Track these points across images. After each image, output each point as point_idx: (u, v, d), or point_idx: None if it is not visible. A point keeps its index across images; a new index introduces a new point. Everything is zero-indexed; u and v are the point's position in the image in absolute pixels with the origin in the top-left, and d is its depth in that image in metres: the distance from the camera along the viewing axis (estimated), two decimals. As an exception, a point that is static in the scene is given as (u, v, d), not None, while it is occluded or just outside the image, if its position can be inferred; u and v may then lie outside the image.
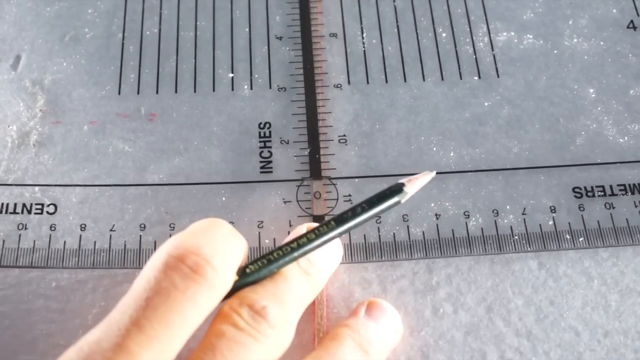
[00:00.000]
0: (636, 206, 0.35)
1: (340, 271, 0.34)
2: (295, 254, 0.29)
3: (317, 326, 0.32)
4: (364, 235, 0.35)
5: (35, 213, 0.35)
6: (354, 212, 0.29)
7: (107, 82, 0.39)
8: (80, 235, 0.34)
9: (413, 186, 0.30)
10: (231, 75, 0.40)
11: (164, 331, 0.24)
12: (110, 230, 0.34)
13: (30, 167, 0.36)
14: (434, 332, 0.32)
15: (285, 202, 0.35)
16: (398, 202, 0.30)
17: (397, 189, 0.30)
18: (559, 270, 0.34)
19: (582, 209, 0.35)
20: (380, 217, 0.35)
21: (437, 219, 0.35)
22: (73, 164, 0.36)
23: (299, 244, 0.29)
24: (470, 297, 0.33)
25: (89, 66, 0.40)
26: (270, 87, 0.39)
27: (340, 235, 0.29)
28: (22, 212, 0.35)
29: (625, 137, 0.37)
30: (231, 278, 0.27)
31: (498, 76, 0.39)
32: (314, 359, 0.28)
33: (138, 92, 0.39)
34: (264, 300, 0.27)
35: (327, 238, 0.29)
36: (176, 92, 0.39)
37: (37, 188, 0.36)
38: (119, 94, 0.39)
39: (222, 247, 0.27)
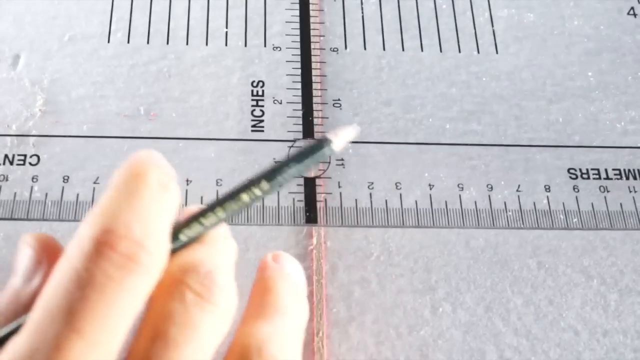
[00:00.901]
0: (630, 191, 0.35)
1: (340, 271, 0.34)
2: (225, 214, 0.26)
3: (316, 325, 0.32)
4: (356, 200, 0.35)
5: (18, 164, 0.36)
6: (281, 167, 0.26)
7: (106, 82, 0.39)
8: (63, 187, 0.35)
9: (339, 139, 0.27)
10: (226, 30, 0.39)
11: (105, 333, 0.21)
12: (94, 182, 0.35)
13: (30, 167, 0.36)
14: (433, 332, 0.32)
15: (276, 162, 0.34)
16: (326, 156, 0.27)
17: (324, 144, 0.27)
18: (558, 269, 0.34)
19: (576, 190, 0.35)
20: (373, 182, 0.35)
21: (430, 189, 0.35)
22: (72, 164, 0.37)
23: (224, 202, 0.26)
24: (469, 296, 0.33)
25: (88, 65, 0.40)
26: (265, 46, 0.39)
27: (267, 192, 0.26)
28: (4, 164, 0.36)
29: (622, 123, 0.37)
30: (166, 254, 0.23)
31: (497, 52, 0.39)
32: None
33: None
34: (207, 264, 0.23)
35: (259, 194, 0.26)
36: (168, 43, 0.39)
37: (36, 187, 0.36)
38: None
39: (154, 217, 0.23)
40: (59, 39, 0.41)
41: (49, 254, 0.24)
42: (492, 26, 0.40)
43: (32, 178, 0.36)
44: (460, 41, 0.39)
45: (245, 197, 0.26)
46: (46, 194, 0.36)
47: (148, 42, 0.40)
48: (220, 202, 0.26)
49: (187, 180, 0.36)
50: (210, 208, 0.25)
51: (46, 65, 0.40)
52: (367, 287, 0.34)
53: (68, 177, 0.36)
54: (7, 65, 0.40)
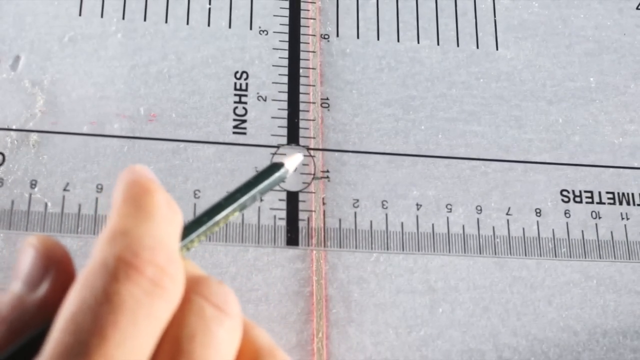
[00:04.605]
0: (622, 219, 0.35)
1: (339, 271, 0.34)
2: (197, 232, 0.26)
3: (315, 326, 0.32)
4: (340, 219, 0.34)
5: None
6: (234, 195, 0.27)
7: (106, 83, 0.39)
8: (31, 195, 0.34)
9: (290, 164, 0.27)
10: (209, 6, 0.38)
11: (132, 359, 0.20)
12: (64, 190, 0.34)
13: (30, 167, 0.37)
14: (432, 332, 0.32)
15: (257, 170, 0.33)
16: (279, 181, 0.27)
17: (276, 169, 0.27)
18: (557, 269, 0.34)
19: (567, 215, 0.35)
20: (358, 200, 0.34)
21: (417, 209, 0.34)
22: (73, 165, 0.37)
23: (203, 220, 0.26)
24: (468, 296, 0.33)
25: (88, 66, 0.40)
26: (251, 28, 0.37)
27: (232, 211, 0.26)
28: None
29: (622, 123, 0.37)
30: (183, 277, 0.23)
31: (497, 53, 0.39)
32: None
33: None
34: (210, 278, 0.24)
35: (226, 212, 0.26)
36: (145, 20, 0.38)
37: (36, 189, 0.36)
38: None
39: (171, 241, 0.23)
40: (59, 40, 0.41)
41: (56, 261, 0.23)
42: (493, 27, 0.40)
43: (32, 179, 0.36)
44: (459, 33, 0.39)
45: (220, 211, 0.25)
46: (46, 195, 0.36)
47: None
48: (195, 221, 0.25)
49: (187, 182, 0.37)
50: (187, 226, 0.25)
51: (46, 66, 0.40)
52: (366, 288, 0.34)
53: (68, 178, 0.36)
54: (8, 66, 0.40)
